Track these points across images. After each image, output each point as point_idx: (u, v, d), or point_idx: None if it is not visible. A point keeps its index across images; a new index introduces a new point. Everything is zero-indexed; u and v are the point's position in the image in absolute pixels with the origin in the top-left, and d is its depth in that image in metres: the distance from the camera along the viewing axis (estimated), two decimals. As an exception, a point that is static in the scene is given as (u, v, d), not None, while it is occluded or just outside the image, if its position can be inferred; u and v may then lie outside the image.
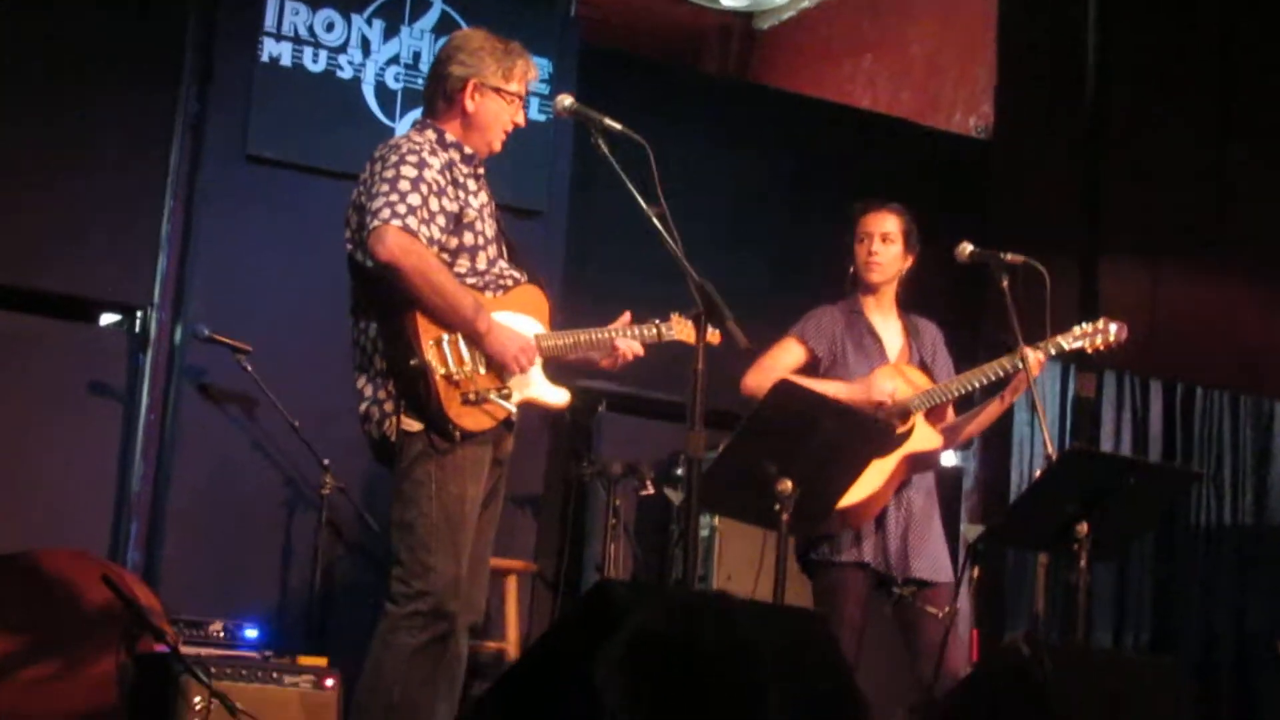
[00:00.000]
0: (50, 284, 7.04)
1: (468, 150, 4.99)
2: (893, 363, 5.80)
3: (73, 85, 7.08)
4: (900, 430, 5.64)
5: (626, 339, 5.19)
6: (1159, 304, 9.16)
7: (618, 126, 4.77)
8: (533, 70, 5.11)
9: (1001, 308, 5.63)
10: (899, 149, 9.14)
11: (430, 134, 4.96)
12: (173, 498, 7.01)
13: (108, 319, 7.30)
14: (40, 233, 6.98)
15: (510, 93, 5.02)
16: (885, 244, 5.81)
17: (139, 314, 7.17)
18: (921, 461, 5.72)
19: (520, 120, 5.09)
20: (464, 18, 7.55)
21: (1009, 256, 5.70)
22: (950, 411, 5.84)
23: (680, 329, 5.25)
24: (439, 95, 5.02)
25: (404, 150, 4.84)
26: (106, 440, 7.03)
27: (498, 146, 5.08)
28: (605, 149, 4.75)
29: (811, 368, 5.81)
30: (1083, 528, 5.21)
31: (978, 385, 5.71)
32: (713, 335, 4.64)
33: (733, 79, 11.12)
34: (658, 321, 5.27)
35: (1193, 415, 9.52)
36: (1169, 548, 9.27)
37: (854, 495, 5.43)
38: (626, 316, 5.25)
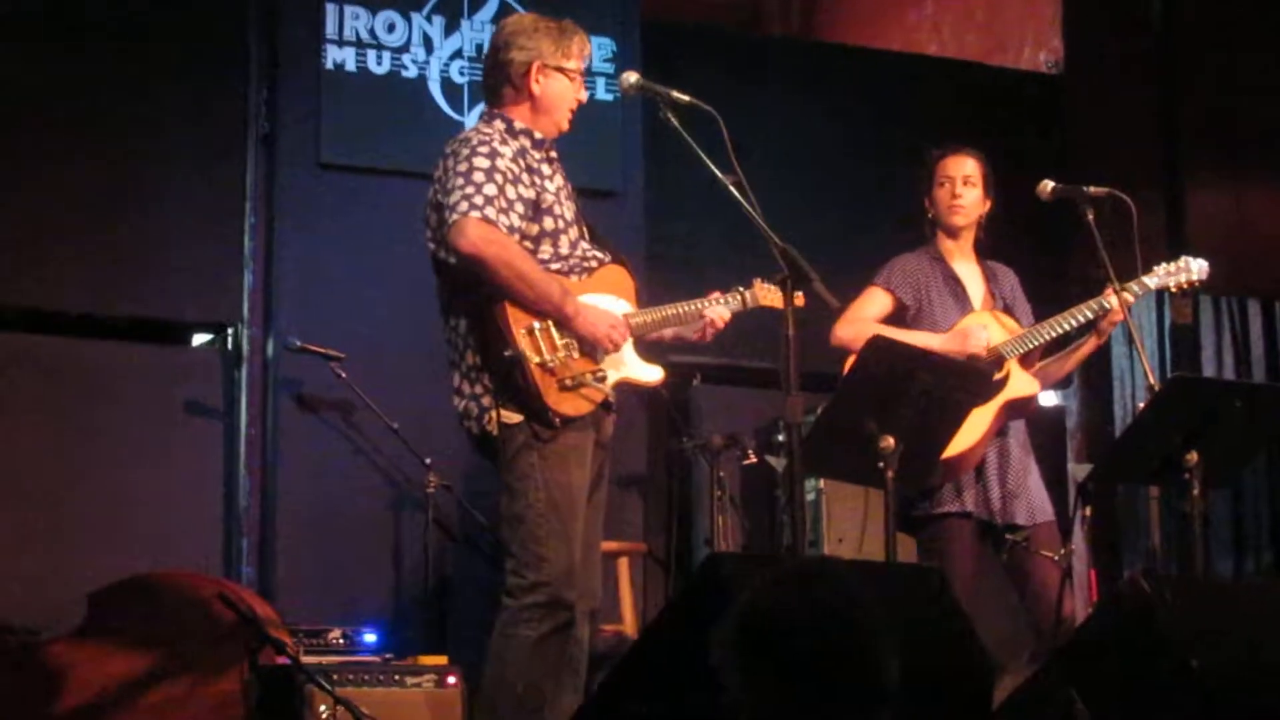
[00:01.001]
0: (140, 309, 7.11)
1: (538, 135, 4.98)
2: (977, 309, 5.75)
3: (142, 111, 7.14)
4: (996, 377, 5.59)
5: (715, 307, 5.17)
6: (1248, 222, 9.04)
7: (685, 98, 4.75)
8: (589, 45, 5.09)
9: (1090, 243, 5.57)
10: (970, 92, 9.06)
11: (499, 124, 4.95)
12: (280, 510, 7.05)
13: (200, 339, 7.35)
14: (125, 260, 7.05)
15: (571, 70, 5.00)
16: (966, 187, 5.77)
17: (230, 331, 7.21)
18: (1020, 407, 5.68)
19: (583, 96, 5.08)
20: (522, 4, 7.54)
21: (1092, 190, 5.64)
22: (1039, 354, 5.79)
23: (765, 295, 5.22)
24: (503, 83, 5.00)
25: (475, 142, 4.84)
26: (210, 459, 7.08)
27: (566, 126, 5.06)
28: (675, 122, 4.74)
29: (898, 316, 5.77)
30: (1192, 457, 5.15)
31: (1069, 327, 5.66)
32: (798, 298, 4.62)
33: (797, 39, 11.05)
34: (741, 289, 5.24)
35: (1294, 331, 9.40)
36: (1283, 469, 9.15)
37: (955, 446, 5.38)
38: (715, 295, 5.22)
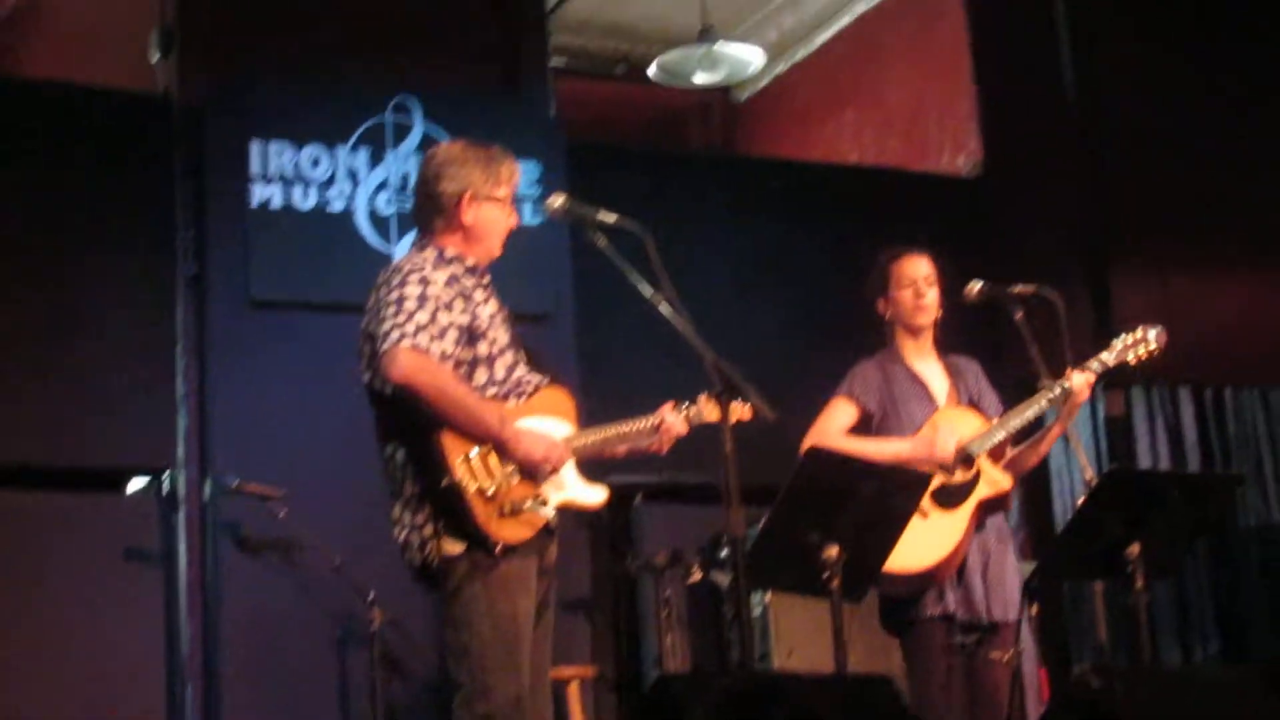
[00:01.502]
0: (74, 459, 7.05)
1: (470, 262, 4.99)
2: (943, 406, 5.76)
3: (69, 257, 7.16)
4: (966, 477, 5.60)
5: (673, 416, 5.16)
6: (1174, 311, 9.09)
7: (611, 219, 4.78)
8: (518, 171, 5.10)
9: (1020, 342, 5.60)
10: (891, 198, 9.14)
11: (430, 252, 4.95)
12: (223, 655, 6.98)
13: (135, 484, 7.28)
14: (56, 408, 7.01)
15: (502, 197, 5.01)
16: (929, 286, 5.77)
17: (165, 475, 7.16)
18: (995, 504, 5.67)
19: (514, 222, 5.08)
20: (449, 134, 7.57)
21: (1018, 289, 5.68)
22: (1008, 447, 5.79)
23: (709, 410, 5.21)
24: (434, 213, 5.00)
25: (406, 270, 4.84)
26: (150, 606, 7.02)
27: (498, 252, 5.06)
28: (603, 243, 4.76)
29: (865, 424, 5.76)
30: (1134, 549, 5.16)
31: (1033, 416, 5.66)
32: (743, 411, 4.62)
33: (720, 153, 11.16)
34: (688, 403, 5.24)
35: (1225, 416, 9.47)
36: (1224, 554, 9.19)
37: (935, 554, 5.45)
38: (669, 405, 5.21)
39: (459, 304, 4.86)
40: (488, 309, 4.96)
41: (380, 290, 4.84)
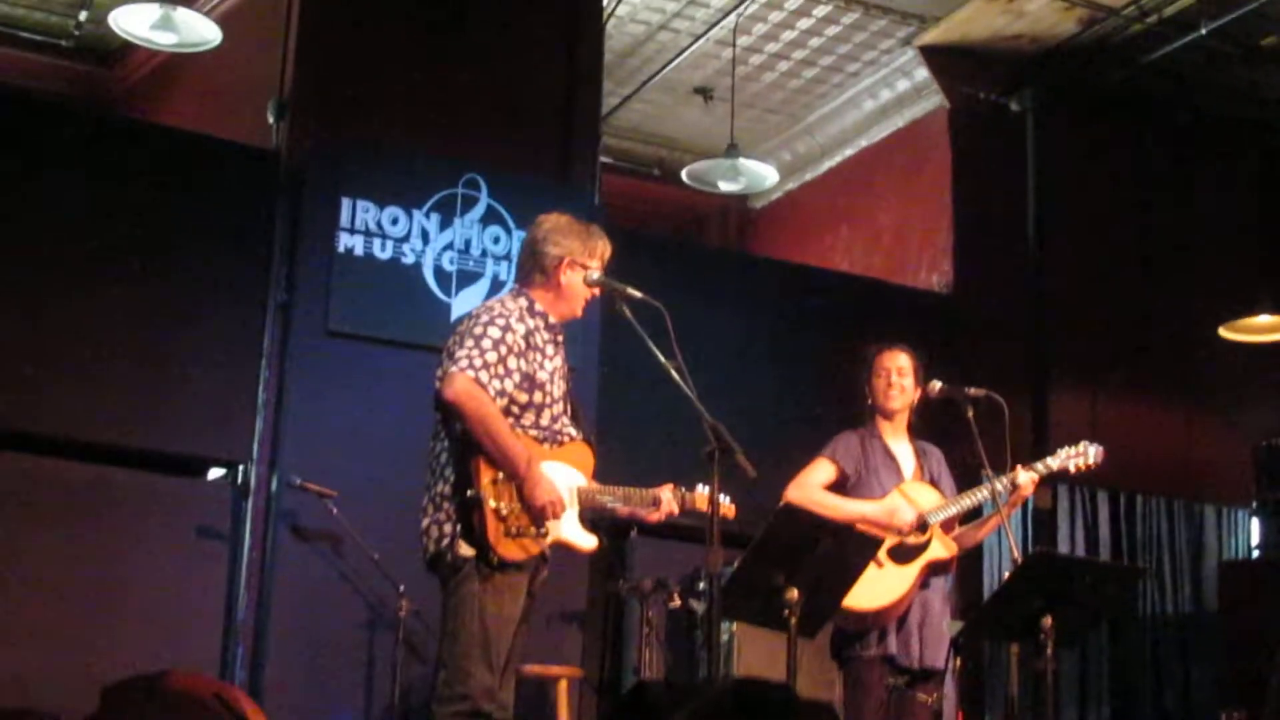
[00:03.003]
0: (163, 444, 7.05)
1: (552, 320, 4.99)
2: (909, 480, 5.76)
3: (182, 274, 7.16)
4: (920, 540, 5.60)
5: (669, 499, 5.12)
6: (1100, 422, 9.15)
7: (638, 294, 4.80)
8: (609, 248, 5.08)
9: (968, 435, 5.60)
10: (873, 304, 9.15)
11: (523, 301, 4.96)
12: (272, 624, 6.97)
13: (214, 473, 7.29)
14: (154, 401, 7.01)
15: (589, 266, 5.00)
16: (901, 377, 5.77)
17: (241, 468, 7.16)
18: (940, 567, 5.69)
19: (596, 292, 5.05)
20: (508, 210, 7.65)
21: (972, 391, 5.69)
22: (956, 522, 5.78)
23: (700, 501, 5.17)
24: (535, 269, 5.00)
25: (495, 313, 4.85)
26: (215, 577, 7.00)
27: (580, 314, 5.07)
28: (628, 313, 4.78)
29: (840, 483, 5.76)
30: (1047, 620, 5.15)
31: (983, 499, 5.66)
32: (727, 510, 4.68)
33: (733, 251, 11.19)
34: (684, 490, 5.20)
35: (1135, 519, 9.48)
36: (1122, 635, 9.16)
37: (883, 598, 5.47)
38: (669, 486, 5.18)
39: (531, 355, 4.86)
40: (552, 364, 4.96)
41: (470, 320, 4.86)
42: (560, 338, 5.03)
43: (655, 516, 5.15)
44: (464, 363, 4.71)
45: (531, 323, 4.92)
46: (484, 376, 4.71)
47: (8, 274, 6.84)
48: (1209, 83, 9.60)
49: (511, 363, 4.79)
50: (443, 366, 4.82)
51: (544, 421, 4.90)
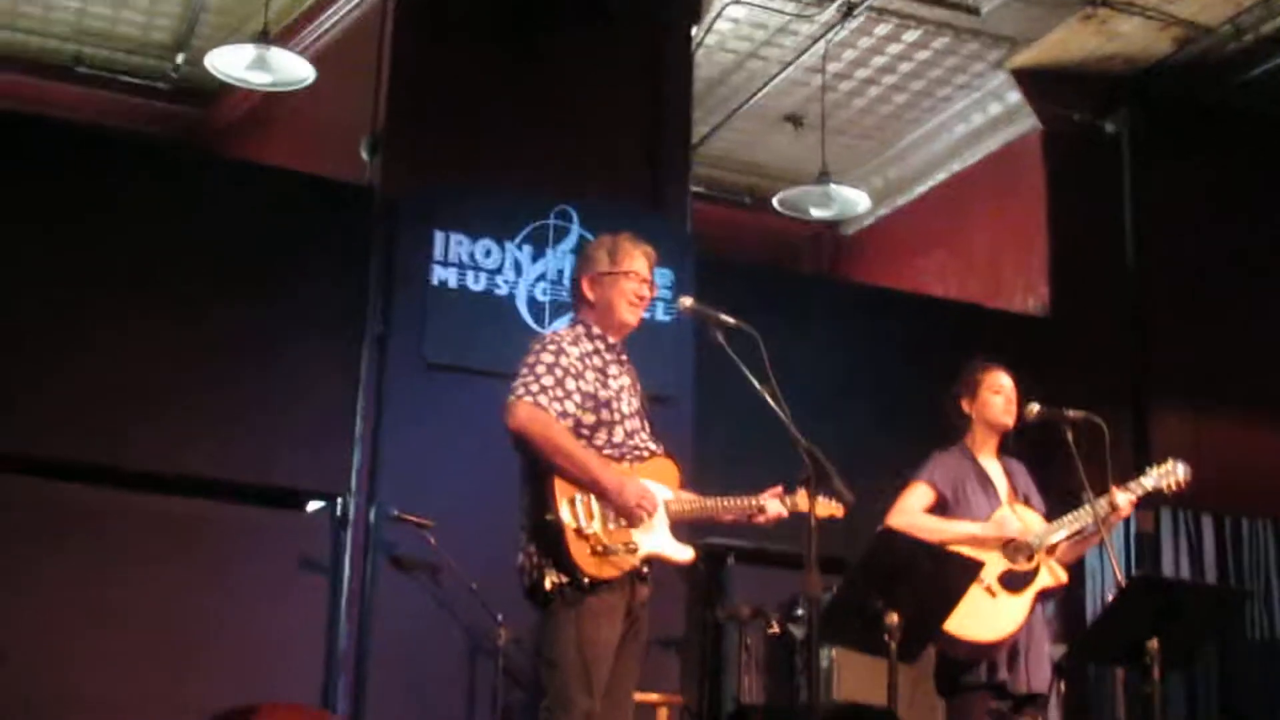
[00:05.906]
0: (263, 478, 7.14)
1: (611, 340, 5.00)
2: (1004, 501, 5.69)
3: (280, 308, 7.26)
4: (1028, 568, 5.54)
5: (774, 503, 5.06)
6: (1204, 445, 9.02)
7: (731, 321, 4.79)
8: (639, 248, 5.02)
9: (1068, 458, 5.54)
10: (970, 328, 9.09)
11: (579, 328, 4.98)
12: (373, 654, 7.02)
13: (313, 505, 7.36)
14: (254, 436, 7.12)
15: (619, 271, 4.97)
16: (1011, 394, 5.74)
17: (339, 500, 7.23)
18: (1051, 595, 5.62)
19: (644, 291, 5.00)
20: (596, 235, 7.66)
21: (1071, 413, 5.62)
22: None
23: (804, 502, 5.12)
24: (574, 296, 5.07)
25: (548, 340, 4.87)
26: (316, 607, 7.07)
27: (630, 319, 4.99)
28: (722, 340, 4.77)
29: (939, 506, 5.68)
30: (1153, 644, 5.08)
31: (1086, 522, 5.57)
32: (834, 509, 4.68)
33: (826, 278, 11.17)
34: (787, 494, 5.13)
35: (1241, 542, 9.32)
36: (1230, 659, 9.01)
37: (1000, 631, 5.40)
38: (778, 489, 5.12)
39: (591, 375, 4.86)
40: (618, 382, 4.95)
41: (527, 355, 4.88)
42: (624, 356, 5.03)
43: (763, 520, 5.11)
44: (520, 390, 4.73)
45: (589, 345, 4.93)
46: (544, 400, 4.72)
47: (112, 309, 6.98)
48: (1308, 99, 9.48)
49: (570, 384, 4.80)
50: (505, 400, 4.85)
51: (617, 438, 4.88)
